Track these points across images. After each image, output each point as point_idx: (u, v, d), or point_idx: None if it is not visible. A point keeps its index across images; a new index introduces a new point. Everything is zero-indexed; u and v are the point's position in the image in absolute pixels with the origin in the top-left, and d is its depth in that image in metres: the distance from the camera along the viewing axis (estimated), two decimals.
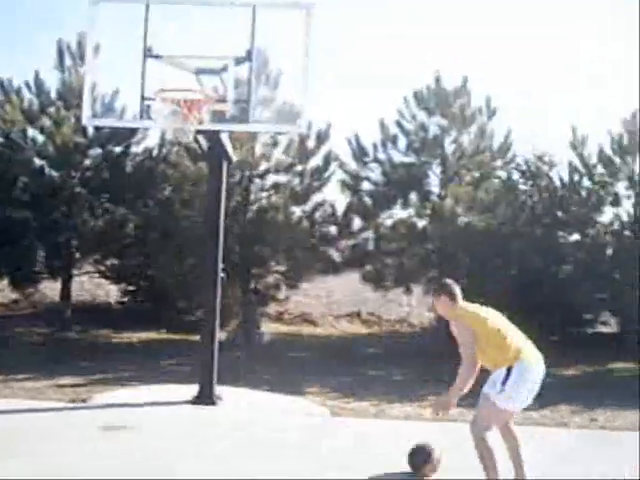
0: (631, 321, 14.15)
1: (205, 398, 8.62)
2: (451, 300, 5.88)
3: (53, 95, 15.83)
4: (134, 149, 16.34)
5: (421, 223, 15.36)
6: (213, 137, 8.72)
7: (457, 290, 5.92)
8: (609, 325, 15.48)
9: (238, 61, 8.35)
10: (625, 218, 14.94)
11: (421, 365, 12.63)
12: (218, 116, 8.49)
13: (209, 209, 9.02)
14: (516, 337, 5.73)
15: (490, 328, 5.69)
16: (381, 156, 15.79)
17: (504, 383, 5.48)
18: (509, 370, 5.49)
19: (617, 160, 14.88)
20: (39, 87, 15.84)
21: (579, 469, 6.47)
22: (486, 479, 5.57)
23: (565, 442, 7.74)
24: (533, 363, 5.64)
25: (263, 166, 15.11)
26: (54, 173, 15.81)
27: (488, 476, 5.55)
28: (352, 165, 15.79)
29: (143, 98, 8.27)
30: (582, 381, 12.00)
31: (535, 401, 5.76)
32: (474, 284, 14.94)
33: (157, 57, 8.25)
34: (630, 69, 30.42)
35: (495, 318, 5.85)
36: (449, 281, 6.03)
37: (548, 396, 6.79)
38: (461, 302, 5.93)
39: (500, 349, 5.60)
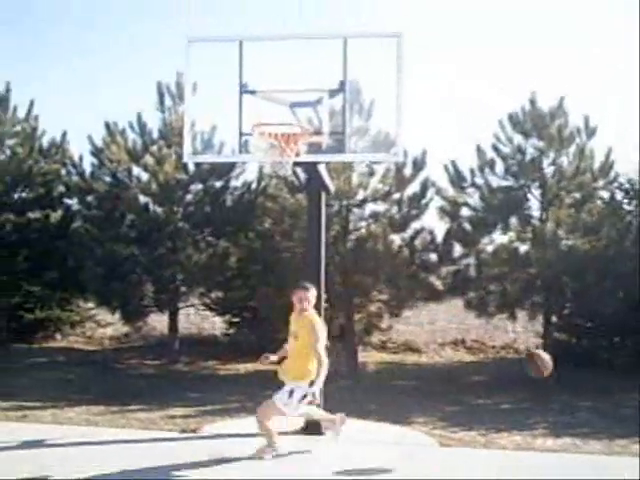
0: None
1: (312, 428, 8.63)
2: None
3: (155, 134, 16.39)
4: (234, 183, 16.73)
5: (523, 247, 15.08)
6: (310, 169, 8.80)
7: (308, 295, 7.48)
8: None
9: (332, 93, 8.43)
10: None
11: (528, 392, 12.35)
12: (314, 148, 8.58)
13: (309, 240, 9.08)
14: (313, 360, 7.35)
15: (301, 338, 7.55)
16: (479, 181, 15.60)
17: (290, 398, 7.45)
18: (291, 391, 7.47)
19: None
20: (142, 127, 16.43)
21: None
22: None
23: None
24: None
25: (360, 195, 15.17)
26: (158, 209, 16.32)
27: (268, 437, 7.55)
28: (450, 191, 15.65)
29: (241, 133, 8.43)
30: None
31: None
32: (581, 308, 14.64)
33: (252, 93, 8.42)
34: None
35: (310, 334, 7.42)
36: (308, 285, 7.61)
37: None
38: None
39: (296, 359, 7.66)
